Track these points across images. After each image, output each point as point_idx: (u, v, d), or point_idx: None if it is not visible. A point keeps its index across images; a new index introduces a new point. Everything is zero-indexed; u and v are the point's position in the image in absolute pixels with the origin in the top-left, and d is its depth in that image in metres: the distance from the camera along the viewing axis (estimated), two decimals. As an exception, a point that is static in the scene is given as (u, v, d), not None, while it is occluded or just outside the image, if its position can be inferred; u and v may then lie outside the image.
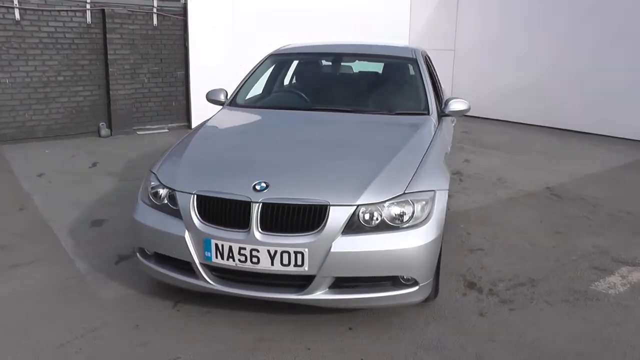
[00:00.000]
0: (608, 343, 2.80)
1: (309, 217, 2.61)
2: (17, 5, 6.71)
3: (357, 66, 4.87)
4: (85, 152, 6.74)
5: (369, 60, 4.81)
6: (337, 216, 2.60)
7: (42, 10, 6.90)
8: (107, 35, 7.41)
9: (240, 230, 2.64)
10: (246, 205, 2.65)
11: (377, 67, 4.61)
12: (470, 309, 3.11)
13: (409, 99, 4.14)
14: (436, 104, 4.02)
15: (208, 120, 3.90)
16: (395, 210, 2.68)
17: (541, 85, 9.20)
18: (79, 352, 2.62)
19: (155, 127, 8.17)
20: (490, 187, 5.65)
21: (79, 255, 3.72)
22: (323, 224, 2.59)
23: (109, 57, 7.48)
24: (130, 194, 4.95)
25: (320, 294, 2.66)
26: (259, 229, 2.62)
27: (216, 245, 2.65)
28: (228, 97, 4.29)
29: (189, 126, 8.42)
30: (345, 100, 4.17)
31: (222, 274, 2.77)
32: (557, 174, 6.18)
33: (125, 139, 7.56)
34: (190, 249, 2.72)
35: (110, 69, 7.52)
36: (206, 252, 2.69)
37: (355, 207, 2.63)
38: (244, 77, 4.50)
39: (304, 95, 4.22)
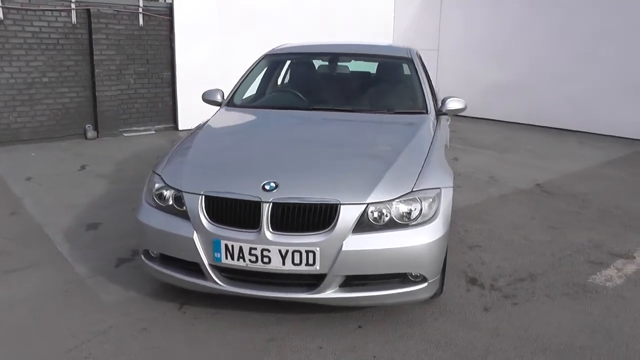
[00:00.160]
0: (609, 334, 2.87)
1: (319, 216, 2.62)
2: (0, 5, 6.55)
3: (353, 66, 4.89)
4: (73, 154, 6.64)
5: (366, 60, 4.82)
6: (348, 215, 2.61)
7: (27, 10, 6.76)
8: (93, 36, 7.30)
9: (251, 231, 2.63)
10: (256, 206, 2.64)
11: (374, 67, 4.63)
12: (475, 304, 3.16)
13: (407, 98, 4.18)
14: (434, 103, 4.07)
15: (208, 120, 3.86)
16: (403, 208, 2.71)
17: (526, 84, 9.35)
18: (89, 358, 2.57)
19: (141, 128, 8.07)
20: (481, 185, 5.73)
21: (77, 259, 3.66)
22: (334, 223, 2.60)
23: (94, 57, 7.37)
24: (122, 197, 4.95)
25: (330, 293, 2.67)
26: (270, 229, 2.61)
27: (226, 245, 2.64)
28: (225, 97, 4.27)
29: (176, 127, 8.36)
30: (346, 99, 4.20)
31: (231, 274, 2.76)
32: (545, 171, 6.29)
33: (112, 141, 7.46)
34: (199, 250, 2.70)
35: (96, 70, 7.41)
36: (215, 253, 2.67)
37: (365, 205, 2.65)
38: (240, 77, 4.47)
39: (303, 95, 4.21)
